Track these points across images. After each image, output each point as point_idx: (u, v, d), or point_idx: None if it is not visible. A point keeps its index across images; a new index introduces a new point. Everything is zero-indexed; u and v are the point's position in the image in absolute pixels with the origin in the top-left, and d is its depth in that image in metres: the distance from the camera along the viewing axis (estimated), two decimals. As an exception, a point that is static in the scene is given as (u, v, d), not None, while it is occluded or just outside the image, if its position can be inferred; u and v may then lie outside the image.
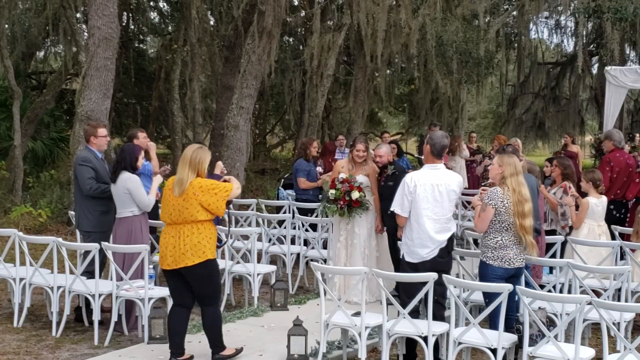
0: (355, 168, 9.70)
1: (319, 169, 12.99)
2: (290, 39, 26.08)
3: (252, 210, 11.83)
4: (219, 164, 9.93)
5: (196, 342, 7.50)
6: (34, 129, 19.16)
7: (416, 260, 7.02)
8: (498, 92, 33.18)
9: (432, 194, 6.98)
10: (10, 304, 8.87)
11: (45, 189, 16.41)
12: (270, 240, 10.73)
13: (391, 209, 7.26)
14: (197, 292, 6.80)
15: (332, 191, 9.55)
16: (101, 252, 7.90)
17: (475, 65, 17.99)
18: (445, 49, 17.01)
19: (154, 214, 9.97)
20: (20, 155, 16.55)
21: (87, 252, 8.02)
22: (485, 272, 6.97)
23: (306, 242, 10.76)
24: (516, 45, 27.26)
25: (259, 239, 10.60)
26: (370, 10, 16.59)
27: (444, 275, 6.54)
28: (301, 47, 23.17)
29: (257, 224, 11.13)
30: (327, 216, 10.01)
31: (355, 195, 9.39)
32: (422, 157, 7.89)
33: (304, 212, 11.33)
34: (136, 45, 28.38)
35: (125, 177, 8.03)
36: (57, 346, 7.71)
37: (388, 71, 25.93)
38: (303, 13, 22.83)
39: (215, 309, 6.88)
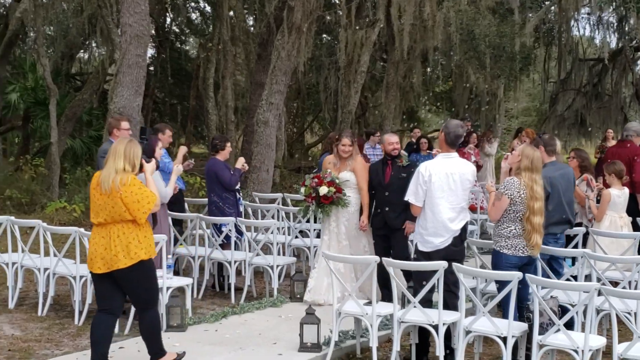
0: (341, 163, 9.15)
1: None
2: (327, 37, 26.13)
3: (279, 203, 11.91)
4: (241, 159, 10.06)
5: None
6: (73, 127, 19.51)
7: (429, 249, 7.01)
8: (541, 89, 32.79)
9: (446, 183, 6.97)
10: (37, 294, 9.05)
11: (80, 185, 16.70)
12: (293, 233, 10.80)
13: (405, 199, 7.26)
14: (132, 297, 6.32)
15: (302, 189, 9.13)
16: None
17: (509, 60, 17.82)
18: (477, 43, 16.89)
19: (180, 206, 10.13)
20: (57, 152, 16.87)
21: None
22: (499, 261, 6.96)
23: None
24: (557, 41, 26.90)
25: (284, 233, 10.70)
26: (402, 3, 16.53)
27: (454, 264, 6.52)
28: (337, 45, 23.18)
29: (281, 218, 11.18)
30: (304, 216, 9.73)
31: (323, 190, 8.85)
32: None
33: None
34: (178, 46, 28.77)
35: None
36: (78, 334, 7.88)
37: (429, 69, 25.88)
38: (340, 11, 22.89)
39: (153, 313, 6.34)
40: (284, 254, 10.59)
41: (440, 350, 6.55)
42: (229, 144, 10.00)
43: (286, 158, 25.24)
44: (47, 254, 8.67)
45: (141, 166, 6.30)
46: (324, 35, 25.40)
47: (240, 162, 9.96)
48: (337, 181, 8.92)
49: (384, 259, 6.91)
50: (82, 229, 8.31)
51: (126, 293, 6.27)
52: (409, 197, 7.15)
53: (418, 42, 17.47)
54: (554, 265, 7.91)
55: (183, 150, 10.17)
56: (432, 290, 6.81)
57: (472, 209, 13.32)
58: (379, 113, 28.13)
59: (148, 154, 8.22)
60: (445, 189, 6.95)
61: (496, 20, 17.89)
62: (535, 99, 38.49)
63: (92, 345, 6.28)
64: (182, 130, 28.23)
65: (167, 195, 8.25)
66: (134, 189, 6.03)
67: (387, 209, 8.71)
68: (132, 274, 6.11)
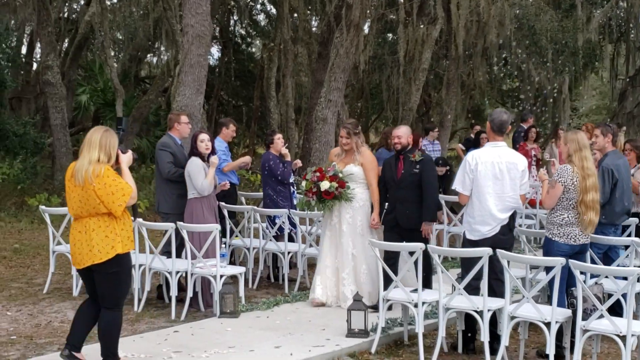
0: (345, 155, 8.66)
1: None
2: (392, 36, 26.18)
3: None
4: (285, 152, 10.25)
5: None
6: (140, 127, 20.05)
7: (477, 237, 7.08)
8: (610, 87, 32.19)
9: (492, 172, 7.02)
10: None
11: (144, 182, 17.17)
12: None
13: (452, 187, 7.34)
14: (100, 292, 5.94)
15: (303, 183, 8.67)
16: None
17: (572, 56, 17.61)
18: (538, 38, 16.76)
19: (232, 200, 10.39)
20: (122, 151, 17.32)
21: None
22: (551, 249, 7.01)
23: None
24: (625, 37, 26.40)
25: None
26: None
27: (498, 250, 6.57)
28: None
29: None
30: (304, 210, 9.34)
31: (324, 185, 8.38)
32: None
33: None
34: (243, 48, 29.23)
35: (189, 160, 8.48)
36: (137, 320, 8.18)
37: (495, 67, 25.68)
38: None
39: (115, 315, 6.00)
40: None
41: (485, 336, 6.62)
42: (277, 137, 10.20)
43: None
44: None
45: (117, 157, 5.92)
46: (389, 34, 25.47)
47: (288, 156, 10.22)
48: (340, 175, 8.46)
49: (429, 246, 7.01)
50: (140, 219, 8.61)
51: (96, 286, 5.95)
52: (456, 185, 7.23)
53: (478, 37, 17.41)
54: (611, 256, 7.88)
55: (247, 159, 10.57)
56: (481, 278, 6.87)
57: (532, 203, 13.24)
58: (441, 110, 28.05)
59: (193, 151, 8.51)
60: (490, 177, 7.00)
61: (558, 16, 17.70)
62: (606, 97, 37.79)
63: (72, 324, 6.16)
64: (247, 130, 28.66)
65: (204, 188, 8.44)
66: (107, 180, 5.70)
67: (399, 205, 8.32)
68: (107, 269, 5.83)
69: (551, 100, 22.81)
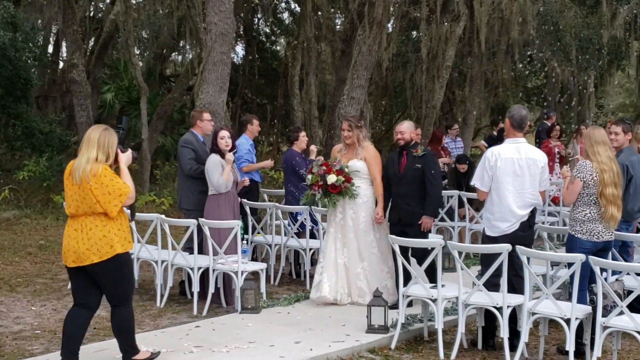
0: (347, 150, 8.59)
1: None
2: (417, 33, 26.12)
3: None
4: (312, 148, 10.29)
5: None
6: (164, 125, 20.18)
7: (496, 234, 7.07)
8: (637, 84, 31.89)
9: (512, 168, 7.01)
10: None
11: (169, 180, 17.31)
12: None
13: (471, 183, 7.35)
14: (106, 292, 5.96)
15: (309, 176, 8.55)
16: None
17: (596, 53, 17.47)
18: (562, 35, 16.65)
19: (254, 196, 10.46)
20: (147, 148, 17.51)
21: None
22: (573, 246, 6.98)
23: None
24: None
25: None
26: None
27: (518, 247, 6.57)
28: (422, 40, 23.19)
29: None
30: (310, 205, 9.25)
31: (331, 179, 8.28)
32: None
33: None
34: (268, 46, 29.30)
35: (208, 157, 8.56)
36: (159, 315, 8.27)
37: (520, 64, 25.54)
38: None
39: (126, 311, 6.03)
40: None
41: (504, 332, 6.63)
42: (302, 134, 10.27)
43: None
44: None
45: (116, 156, 5.86)
46: (413, 32, 25.41)
47: (314, 153, 10.23)
48: (346, 170, 8.38)
49: (449, 242, 7.02)
50: (163, 216, 8.70)
51: (100, 287, 5.95)
52: (475, 181, 7.24)
53: (502, 34, 17.34)
54: (622, 253, 7.84)
55: (269, 164, 10.77)
56: (501, 275, 6.87)
57: (555, 200, 13.20)
58: (465, 108, 27.94)
59: (213, 148, 8.60)
60: (510, 173, 7.00)
61: (583, 12, 17.57)
62: (632, 94, 37.43)
63: (63, 339, 5.98)
64: (271, 128, 28.74)
65: (221, 185, 8.50)
66: (104, 180, 5.66)
67: (400, 201, 8.33)
68: (106, 269, 5.79)
69: (576, 97, 22.68)
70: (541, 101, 30.10)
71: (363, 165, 8.47)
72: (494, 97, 26.40)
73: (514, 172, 6.99)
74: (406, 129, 8.40)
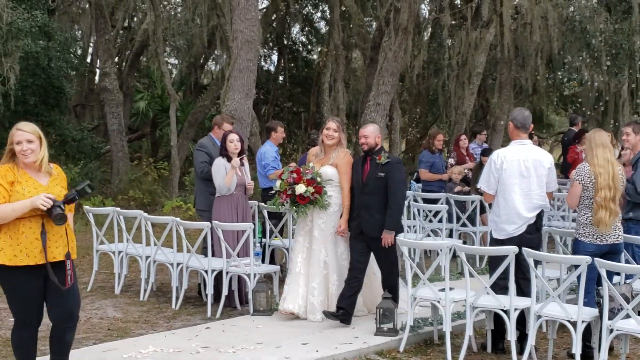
0: (324, 154, 8.01)
1: (451, 160, 13.07)
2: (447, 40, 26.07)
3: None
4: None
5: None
6: (195, 132, 20.39)
7: (503, 236, 7.02)
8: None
9: (518, 170, 6.97)
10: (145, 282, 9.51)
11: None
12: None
13: (477, 186, 7.32)
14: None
15: (278, 182, 8.05)
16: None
17: (628, 59, 17.24)
18: (591, 40, 16.48)
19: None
20: (176, 155, 17.73)
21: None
22: (577, 249, 6.95)
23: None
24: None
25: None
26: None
27: (524, 249, 6.53)
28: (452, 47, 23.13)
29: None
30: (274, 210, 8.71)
31: (300, 189, 7.74)
32: None
33: (427, 203, 11.44)
34: (300, 54, 29.46)
35: (215, 160, 8.66)
36: (173, 317, 8.36)
37: (559, 73, 25.30)
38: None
39: (13, 329, 5.53)
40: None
41: (512, 335, 6.58)
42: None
43: (406, 161, 25.33)
44: (148, 243, 9.23)
45: None
46: (448, 40, 25.37)
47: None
48: (318, 179, 7.82)
49: (455, 245, 6.99)
50: (178, 219, 8.80)
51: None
52: (481, 184, 7.20)
53: (531, 40, 17.21)
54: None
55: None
56: (508, 278, 6.82)
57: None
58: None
59: (222, 152, 8.62)
60: (517, 175, 6.95)
61: (613, 18, 17.37)
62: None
63: None
64: (304, 136, 28.86)
65: (222, 187, 8.57)
66: None
67: (363, 212, 7.64)
68: None
69: (611, 104, 22.37)
70: (577, 109, 29.79)
71: (334, 172, 7.90)
72: (528, 105, 26.20)
73: (520, 174, 6.95)
74: (370, 133, 7.70)
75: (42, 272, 5.25)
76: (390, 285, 7.60)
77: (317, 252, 7.88)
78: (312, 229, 7.93)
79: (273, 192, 8.45)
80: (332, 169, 7.89)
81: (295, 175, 7.85)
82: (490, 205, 7.47)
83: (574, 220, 12.54)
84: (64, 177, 5.58)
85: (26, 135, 5.24)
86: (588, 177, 6.81)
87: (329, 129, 7.94)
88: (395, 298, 7.52)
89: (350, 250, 7.85)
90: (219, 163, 8.63)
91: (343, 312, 7.59)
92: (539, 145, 15.37)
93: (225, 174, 8.52)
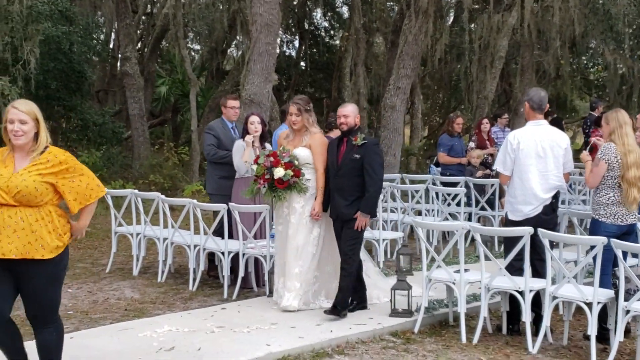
0: (294, 136, 7.72)
1: (472, 144, 12.96)
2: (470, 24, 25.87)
3: (397, 183, 12.10)
4: None
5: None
6: (215, 117, 20.39)
7: (519, 217, 6.98)
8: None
9: (534, 150, 6.92)
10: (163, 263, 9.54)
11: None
12: (405, 211, 10.93)
13: (493, 168, 7.26)
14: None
15: (254, 166, 7.75)
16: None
17: (652, 42, 17.06)
18: (614, 22, 16.28)
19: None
20: (196, 140, 17.78)
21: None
22: (597, 230, 6.86)
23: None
24: None
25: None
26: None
27: (540, 230, 6.48)
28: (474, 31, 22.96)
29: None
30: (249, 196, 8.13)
31: (279, 172, 7.41)
32: None
33: (446, 186, 11.38)
34: (321, 38, 29.38)
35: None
36: (190, 298, 8.40)
37: (583, 58, 25.07)
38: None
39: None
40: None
41: (527, 317, 6.55)
42: None
43: (428, 146, 25.24)
44: (166, 225, 9.28)
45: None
46: (470, 23, 25.18)
47: None
48: (296, 162, 7.52)
49: (471, 225, 6.95)
50: (195, 201, 8.84)
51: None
52: (497, 165, 7.16)
53: (553, 24, 17.02)
54: None
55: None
56: (523, 259, 6.77)
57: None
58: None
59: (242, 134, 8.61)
60: (533, 156, 6.91)
61: (637, 0, 17.15)
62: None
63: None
64: (326, 121, 28.81)
65: (239, 167, 8.61)
66: None
67: (337, 195, 7.37)
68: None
69: (628, 88, 22.12)
70: (603, 94, 29.48)
71: (308, 154, 7.58)
72: (552, 89, 25.97)
73: (537, 154, 6.90)
74: (350, 112, 7.36)
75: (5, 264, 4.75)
76: (345, 278, 7.29)
77: (291, 239, 7.52)
78: (289, 215, 7.59)
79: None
80: (306, 150, 7.59)
81: (272, 158, 7.55)
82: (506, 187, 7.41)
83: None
84: (60, 164, 4.86)
85: (20, 114, 4.76)
86: (614, 156, 6.74)
87: (291, 115, 7.63)
88: (344, 298, 7.27)
89: (336, 237, 7.57)
90: (239, 144, 8.65)
91: (357, 303, 7.58)
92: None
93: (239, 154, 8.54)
